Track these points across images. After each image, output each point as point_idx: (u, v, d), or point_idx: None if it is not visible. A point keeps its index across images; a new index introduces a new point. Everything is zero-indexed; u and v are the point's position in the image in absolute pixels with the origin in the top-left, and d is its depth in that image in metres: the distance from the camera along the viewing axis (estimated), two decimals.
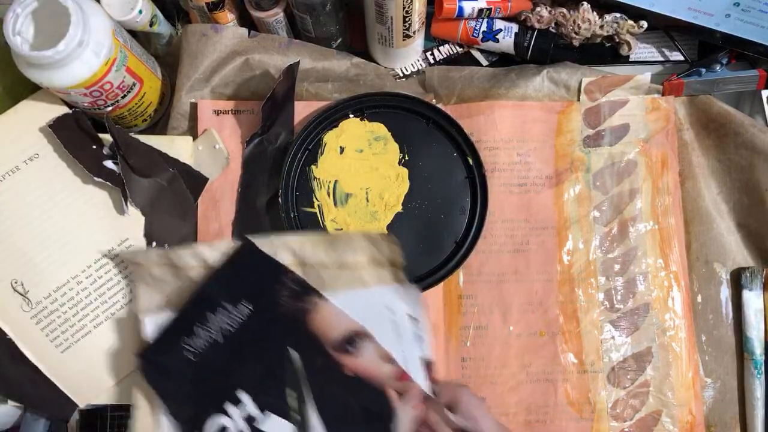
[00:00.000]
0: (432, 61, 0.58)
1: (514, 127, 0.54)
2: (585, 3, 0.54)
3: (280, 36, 0.55)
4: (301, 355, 0.45)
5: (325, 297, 0.45)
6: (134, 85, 0.50)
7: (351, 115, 0.52)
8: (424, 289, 0.49)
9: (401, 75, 0.57)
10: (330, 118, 0.51)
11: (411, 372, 0.44)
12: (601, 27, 0.55)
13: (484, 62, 0.58)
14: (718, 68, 0.55)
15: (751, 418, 0.50)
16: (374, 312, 0.46)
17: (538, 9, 0.55)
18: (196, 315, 0.45)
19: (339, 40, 0.56)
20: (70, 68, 0.44)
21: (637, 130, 0.54)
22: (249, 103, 0.53)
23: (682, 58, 0.57)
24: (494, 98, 0.54)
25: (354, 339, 0.45)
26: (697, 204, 0.53)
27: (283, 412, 0.44)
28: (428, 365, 0.45)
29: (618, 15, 0.54)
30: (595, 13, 0.54)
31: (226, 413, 0.44)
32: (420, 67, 0.58)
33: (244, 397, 0.44)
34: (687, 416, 0.50)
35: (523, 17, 0.55)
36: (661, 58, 0.58)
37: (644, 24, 0.55)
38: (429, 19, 0.55)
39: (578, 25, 0.54)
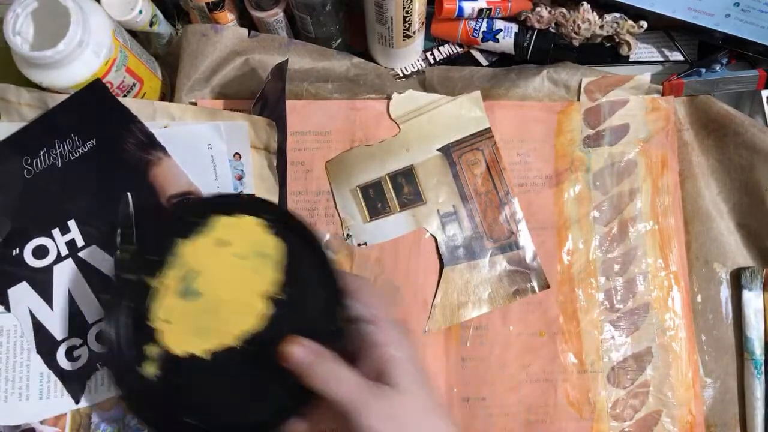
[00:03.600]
0: (432, 61, 0.58)
1: (514, 127, 0.54)
2: (585, 3, 0.54)
3: (280, 36, 0.55)
4: (135, 200, 0.47)
5: (169, 154, 0.48)
6: (134, 85, 0.50)
7: (258, 215, 0.42)
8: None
9: (401, 75, 0.57)
10: (234, 203, 0.42)
11: None
12: (601, 27, 0.55)
13: (484, 62, 0.58)
14: (718, 68, 0.55)
15: (751, 418, 0.50)
16: (194, 147, 0.48)
17: (538, 9, 0.55)
18: (45, 141, 0.47)
19: (339, 40, 0.56)
20: (70, 68, 0.44)
21: (637, 130, 0.54)
22: (249, 103, 0.53)
23: (682, 58, 0.58)
24: (494, 98, 0.54)
25: (189, 198, 0.48)
26: (697, 204, 0.53)
27: (107, 247, 0.47)
28: None
29: (618, 15, 0.54)
30: (595, 13, 0.54)
31: (51, 237, 0.47)
32: (420, 67, 0.58)
33: (73, 226, 0.47)
34: (687, 416, 0.50)
35: (523, 17, 0.55)
36: (661, 58, 0.58)
37: (644, 24, 0.55)
38: (429, 19, 0.55)
39: (578, 25, 0.54)
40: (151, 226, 0.42)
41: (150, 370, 0.40)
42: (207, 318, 0.40)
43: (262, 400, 0.40)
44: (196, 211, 0.42)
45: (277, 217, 0.42)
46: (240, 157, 0.50)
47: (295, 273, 0.41)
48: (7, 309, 0.47)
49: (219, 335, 0.40)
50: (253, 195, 0.48)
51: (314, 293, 0.40)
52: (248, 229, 0.41)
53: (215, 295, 0.41)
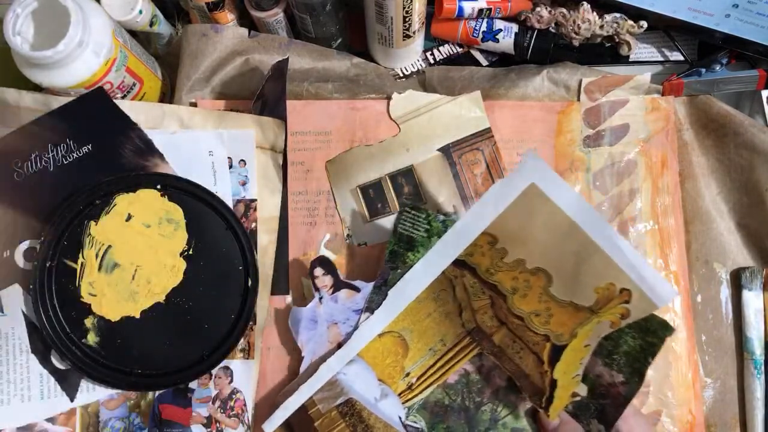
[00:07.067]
0: (432, 61, 0.58)
1: (514, 127, 0.54)
2: (585, 3, 0.54)
3: (280, 36, 0.55)
4: None
5: (166, 160, 0.48)
6: (134, 85, 0.50)
7: (154, 187, 0.48)
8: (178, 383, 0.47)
9: (401, 75, 0.57)
10: (130, 181, 0.47)
11: None
12: (601, 27, 0.55)
13: (484, 62, 0.58)
14: (718, 68, 0.55)
15: (751, 418, 0.50)
16: (195, 154, 0.49)
17: (538, 9, 0.55)
18: (37, 144, 0.47)
19: (339, 40, 0.56)
20: (70, 68, 0.45)
21: (637, 130, 0.54)
22: (249, 103, 0.53)
23: (682, 58, 0.58)
24: (494, 98, 0.54)
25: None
26: (697, 204, 0.53)
27: None
28: (247, 205, 0.50)
29: (618, 15, 0.54)
30: (595, 13, 0.54)
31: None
32: (420, 67, 0.58)
33: None
34: (687, 416, 0.50)
35: (523, 17, 0.55)
36: (661, 58, 0.58)
37: (644, 24, 0.55)
38: (429, 19, 0.55)
39: (578, 25, 0.54)
40: (65, 215, 0.46)
41: (92, 339, 0.46)
42: (133, 284, 0.46)
43: (186, 343, 0.47)
44: (99, 194, 0.47)
45: (170, 183, 0.47)
46: (245, 163, 0.50)
47: (197, 228, 0.48)
48: (2, 311, 0.47)
49: (148, 296, 0.47)
50: (149, 170, 0.48)
51: (218, 239, 0.48)
52: (147, 201, 0.47)
53: (133, 263, 0.47)
